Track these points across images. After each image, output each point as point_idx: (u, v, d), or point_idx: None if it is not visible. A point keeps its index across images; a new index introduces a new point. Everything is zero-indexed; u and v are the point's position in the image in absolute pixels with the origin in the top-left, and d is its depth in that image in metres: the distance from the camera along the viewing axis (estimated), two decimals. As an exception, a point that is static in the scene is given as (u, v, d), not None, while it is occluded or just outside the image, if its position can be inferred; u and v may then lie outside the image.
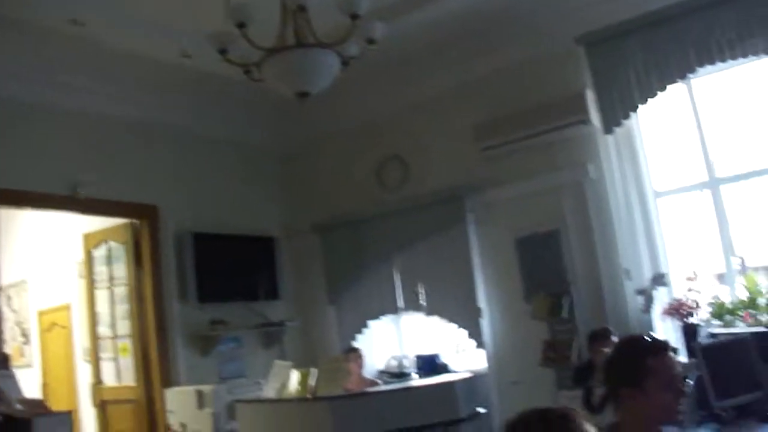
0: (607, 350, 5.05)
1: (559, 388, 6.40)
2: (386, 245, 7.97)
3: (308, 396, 5.84)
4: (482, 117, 7.23)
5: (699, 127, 6.62)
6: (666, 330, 6.21)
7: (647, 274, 6.47)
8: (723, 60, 6.12)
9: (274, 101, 7.11)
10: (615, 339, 5.45)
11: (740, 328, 5.78)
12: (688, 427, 4.43)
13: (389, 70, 7.49)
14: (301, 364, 6.37)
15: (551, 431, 1.82)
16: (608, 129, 6.59)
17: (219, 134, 8.17)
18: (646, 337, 2.65)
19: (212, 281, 7.66)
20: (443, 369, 7.59)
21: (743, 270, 6.31)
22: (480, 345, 7.32)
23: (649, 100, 6.43)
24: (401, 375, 7.76)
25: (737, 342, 5.07)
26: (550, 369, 6.62)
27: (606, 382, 2.67)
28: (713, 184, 6.55)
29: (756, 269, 6.40)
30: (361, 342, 8.04)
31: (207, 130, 8.02)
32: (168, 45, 6.50)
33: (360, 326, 8.21)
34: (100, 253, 7.88)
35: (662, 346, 2.58)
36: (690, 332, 5.94)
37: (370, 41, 4.66)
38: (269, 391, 6.33)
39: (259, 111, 8.22)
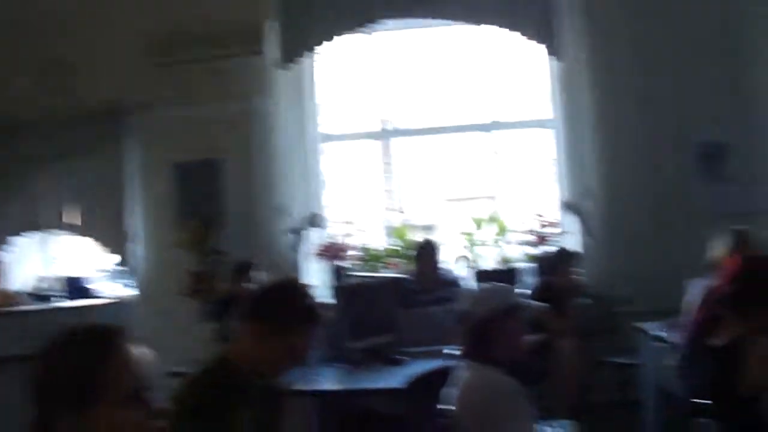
0: (249, 284, 5.02)
1: (205, 320, 6.23)
2: (40, 157, 7.23)
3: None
4: (156, 33, 6.73)
5: (376, 78, 6.74)
6: (316, 271, 6.29)
7: (303, 214, 6.49)
8: (410, 16, 6.26)
9: None
10: (259, 274, 5.37)
11: (385, 273, 5.99)
12: (318, 367, 4.46)
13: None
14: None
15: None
16: (284, 64, 6.49)
17: None
18: (305, 288, 2.62)
19: None
20: (91, 293, 7.14)
21: (405, 222, 6.54)
22: (130, 271, 6.94)
23: (329, 42, 6.45)
24: (47, 297, 7.18)
25: (376, 286, 5.20)
26: (196, 300, 6.42)
27: (250, 313, 2.55)
28: (384, 135, 6.70)
29: (417, 226, 6.67)
30: (5, 260, 7.29)
31: None
32: None
33: (3, 243, 7.45)
34: None
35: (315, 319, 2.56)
36: (339, 274, 6.05)
37: None
38: None
39: None
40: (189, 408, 2.33)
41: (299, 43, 6.44)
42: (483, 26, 6.41)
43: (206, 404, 2.33)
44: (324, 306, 5.24)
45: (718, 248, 4.37)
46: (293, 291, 2.60)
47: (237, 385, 2.41)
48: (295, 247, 6.23)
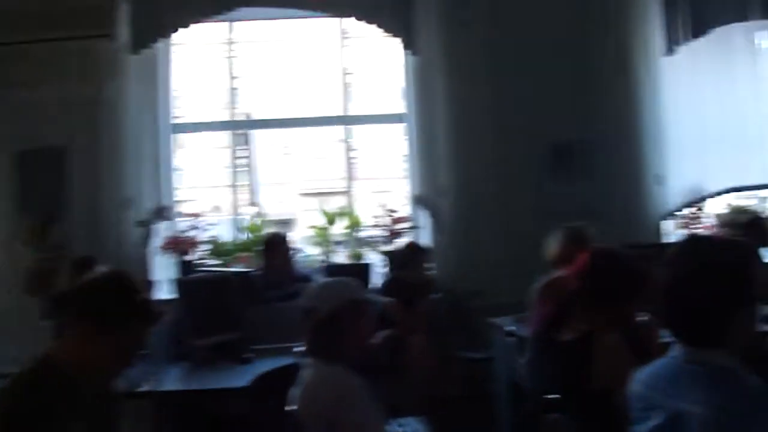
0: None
1: (44, 318, 5.90)
2: None
3: None
4: (-2, 10, 6.37)
5: (233, 69, 6.60)
6: (164, 265, 6.10)
7: (152, 207, 6.25)
8: (268, 4, 6.22)
9: None
10: (102, 269, 5.13)
11: (235, 268, 5.86)
12: (160, 365, 4.29)
13: None
14: None
15: None
16: (136, 49, 6.22)
17: None
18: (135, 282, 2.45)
19: None
20: None
21: (258, 216, 6.43)
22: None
23: (185, 28, 6.24)
24: None
25: (222, 281, 5.04)
26: (36, 297, 6.08)
27: (76, 310, 2.38)
28: (239, 126, 6.55)
29: (271, 219, 6.56)
30: None
31: None
32: None
33: None
34: None
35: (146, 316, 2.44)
36: (187, 269, 5.87)
37: None
38: None
39: None
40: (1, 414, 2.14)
41: (153, 27, 6.20)
42: (341, 18, 6.40)
43: (23, 410, 2.16)
44: (166, 301, 5.09)
45: (554, 245, 4.49)
46: (122, 285, 2.41)
47: (62, 388, 2.24)
48: (142, 241, 5.99)
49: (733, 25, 6.45)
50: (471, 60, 6.23)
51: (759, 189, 6.73)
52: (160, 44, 6.35)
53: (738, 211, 6.23)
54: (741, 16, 6.38)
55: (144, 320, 2.41)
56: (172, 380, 4.34)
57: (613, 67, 6.33)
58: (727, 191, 6.48)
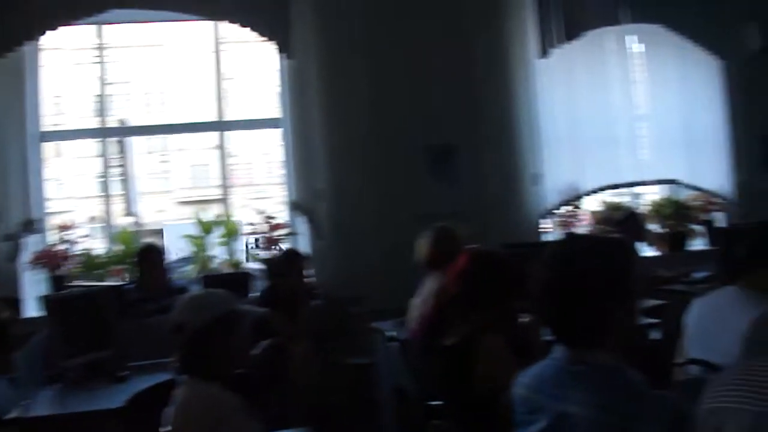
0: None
1: None
2: None
3: None
4: None
5: (106, 74, 6.39)
6: (33, 281, 5.88)
7: (19, 219, 5.98)
8: (142, 6, 6.07)
9: None
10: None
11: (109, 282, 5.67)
12: (29, 389, 4.07)
13: None
14: None
15: None
16: (0, 53, 5.93)
17: None
18: None
19: None
20: None
21: (132, 226, 6.23)
22: None
23: (53, 31, 6.02)
24: None
25: (92, 295, 4.84)
26: None
27: None
28: (111, 134, 6.33)
29: (145, 229, 6.39)
30: None
31: None
32: None
33: None
34: None
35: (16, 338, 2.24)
36: (58, 284, 5.64)
37: None
38: None
39: None
40: None
41: (18, 30, 5.94)
42: (215, 22, 6.29)
43: None
44: (35, 320, 4.86)
45: (424, 246, 4.49)
46: None
47: None
48: (10, 256, 5.73)
49: (605, 28, 6.66)
50: (345, 63, 6.22)
51: (632, 186, 6.93)
52: (26, 48, 6.09)
53: (613, 208, 6.43)
54: (613, 20, 6.59)
55: (5, 342, 2.26)
56: (42, 404, 4.09)
57: (488, 69, 6.41)
58: (602, 189, 6.65)
